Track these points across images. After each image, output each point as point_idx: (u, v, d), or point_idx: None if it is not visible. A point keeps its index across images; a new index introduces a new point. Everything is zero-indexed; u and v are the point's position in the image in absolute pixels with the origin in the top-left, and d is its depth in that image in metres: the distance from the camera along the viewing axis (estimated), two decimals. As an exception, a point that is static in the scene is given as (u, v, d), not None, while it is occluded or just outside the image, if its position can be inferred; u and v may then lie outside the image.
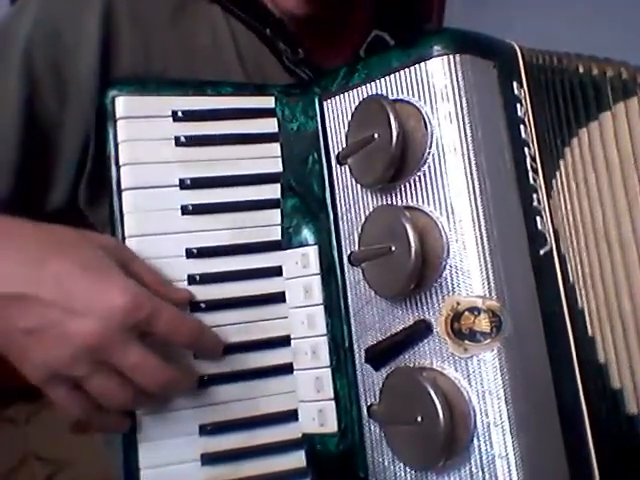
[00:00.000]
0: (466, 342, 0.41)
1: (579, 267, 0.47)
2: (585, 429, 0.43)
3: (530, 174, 0.45)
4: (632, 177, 0.49)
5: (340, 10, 0.61)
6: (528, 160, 0.45)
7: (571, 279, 0.46)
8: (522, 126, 0.46)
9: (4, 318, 0.41)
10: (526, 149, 0.46)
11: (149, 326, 0.42)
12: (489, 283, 0.41)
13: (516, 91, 0.46)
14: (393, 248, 0.41)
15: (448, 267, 0.42)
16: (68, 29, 0.52)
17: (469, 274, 0.41)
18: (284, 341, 0.49)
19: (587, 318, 0.46)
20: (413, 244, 0.40)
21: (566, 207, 0.47)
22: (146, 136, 0.50)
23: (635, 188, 0.49)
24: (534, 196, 0.45)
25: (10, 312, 0.41)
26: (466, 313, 0.41)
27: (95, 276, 0.42)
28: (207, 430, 0.48)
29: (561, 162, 0.48)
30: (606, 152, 0.49)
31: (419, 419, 0.40)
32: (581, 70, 0.50)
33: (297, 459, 0.48)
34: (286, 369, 0.49)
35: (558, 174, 0.47)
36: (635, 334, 0.47)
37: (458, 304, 0.41)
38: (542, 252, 0.44)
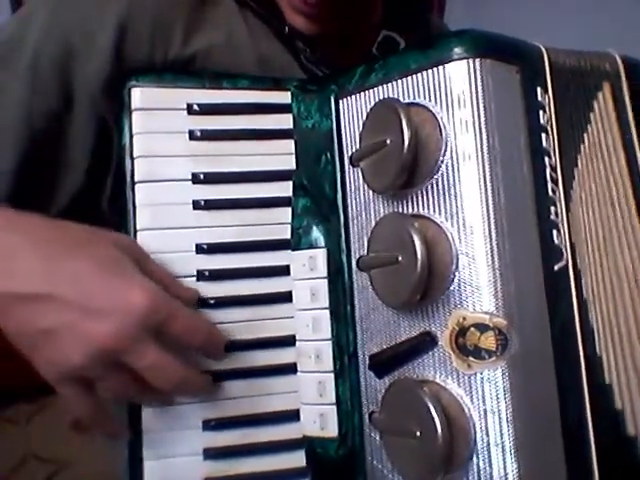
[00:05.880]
0: (470, 358, 0.40)
1: (594, 284, 0.45)
2: (590, 453, 0.42)
3: (549, 185, 0.43)
4: None
5: (351, 22, 0.59)
6: (548, 170, 0.44)
7: (584, 295, 0.44)
8: (544, 134, 0.44)
9: (21, 317, 0.41)
10: (546, 158, 0.44)
11: (166, 328, 0.42)
12: (497, 300, 0.40)
13: (540, 97, 0.44)
14: (400, 258, 0.40)
15: (456, 280, 0.41)
16: (79, 41, 0.51)
17: (477, 289, 0.40)
18: (290, 340, 0.49)
19: (597, 337, 0.44)
20: (420, 256, 0.39)
21: (582, 220, 0.45)
22: (161, 128, 0.50)
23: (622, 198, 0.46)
24: (552, 209, 0.43)
25: (27, 312, 0.40)
26: (472, 329, 0.40)
27: (112, 275, 0.41)
28: (210, 425, 0.48)
29: (576, 171, 0.46)
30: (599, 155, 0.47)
31: (418, 433, 0.39)
32: (608, 68, 0.47)
33: (298, 459, 0.48)
34: (291, 369, 0.49)
35: (575, 184, 0.45)
36: None
37: (464, 319, 0.40)
38: (557, 268, 0.43)
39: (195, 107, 0.50)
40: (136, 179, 0.49)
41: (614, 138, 0.47)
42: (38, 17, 0.52)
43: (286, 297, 0.49)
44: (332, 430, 0.46)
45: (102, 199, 0.57)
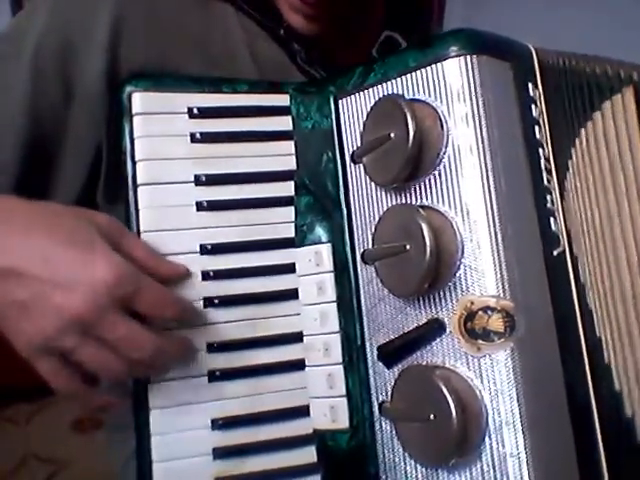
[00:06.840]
0: (479, 341, 0.41)
1: (591, 268, 0.47)
2: (595, 430, 0.43)
3: (544, 175, 0.46)
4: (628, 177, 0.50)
5: (351, 22, 0.61)
6: (542, 161, 0.46)
7: (582, 280, 0.46)
8: (537, 127, 0.46)
9: None
10: (540, 150, 0.46)
11: (133, 301, 0.43)
12: (503, 283, 0.41)
13: (531, 92, 0.46)
14: (408, 247, 0.42)
15: (462, 267, 0.42)
16: (78, 36, 0.53)
17: (483, 274, 0.41)
18: (296, 338, 0.50)
19: (595, 320, 0.46)
20: (428, 243, 0.40)
21: (577, 208, 0.48)
22: (162, 132, 0.51)
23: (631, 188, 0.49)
24: (548, 197, 0.45)
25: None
26: (480, 313, 0.41)
27: (80, 249, 0.42)
28: (219, 424, 0.48)
29: (570, 163, 0.48)
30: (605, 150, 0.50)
31: (432, 417, 0.40)
32: (598, 71, 0.50)
33: (308, 455, 0.49)
34: (298, 365, 0.49)
35: (569, 175, 0.48)
36: None
37: (472, 304, 0.41)
38: (555, 253, 0.45)
39: (195, 110, 0.51)
40: (139, 182, 0.50)
41: (631, 135, 0.50)
42: (40, 13, 0.53)
43: (291, 294, 0.50)
44: (343, 422, 0.47)
45: (97, 194, 0.58)
